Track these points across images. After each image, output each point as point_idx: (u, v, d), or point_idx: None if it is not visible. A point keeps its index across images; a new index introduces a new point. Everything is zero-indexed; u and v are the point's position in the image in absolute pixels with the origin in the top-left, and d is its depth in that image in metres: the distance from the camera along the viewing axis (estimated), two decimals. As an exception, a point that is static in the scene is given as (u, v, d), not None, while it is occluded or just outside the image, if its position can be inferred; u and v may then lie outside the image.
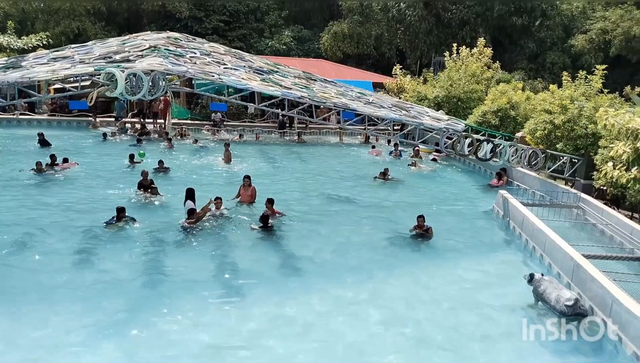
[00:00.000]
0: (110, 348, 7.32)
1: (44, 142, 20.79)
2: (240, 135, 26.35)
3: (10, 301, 8.47)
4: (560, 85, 18.74)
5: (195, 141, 23.83)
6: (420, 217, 12.29)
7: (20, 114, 26.50)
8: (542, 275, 9.37)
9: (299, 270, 10.35)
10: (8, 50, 33.80)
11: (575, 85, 18.13)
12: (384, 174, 18.25)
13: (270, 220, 12.29)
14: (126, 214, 12.27)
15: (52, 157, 17.30)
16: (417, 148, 22.48)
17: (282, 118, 27.70)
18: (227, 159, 19.49)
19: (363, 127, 18.71)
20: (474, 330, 8.32)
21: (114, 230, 11.81)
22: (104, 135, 23.60)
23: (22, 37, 36.12)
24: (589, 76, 18.24)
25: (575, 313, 8.41)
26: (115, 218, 12.12)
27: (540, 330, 8.36)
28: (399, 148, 23.24)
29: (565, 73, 19.45)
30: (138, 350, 7.36)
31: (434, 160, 21.64)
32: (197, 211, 12.27)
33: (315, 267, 10.51)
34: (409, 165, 20.85)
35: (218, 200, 13.04)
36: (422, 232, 12.19)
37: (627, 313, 7.72)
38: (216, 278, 9.81)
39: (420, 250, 11.74)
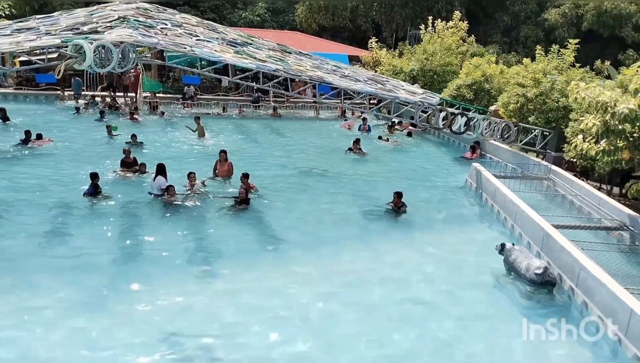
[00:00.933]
0: (85, 324, 7.26)
1: (5, 118, 20.05)
2: (224, 108, 25.94)
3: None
4: (533, 59, 18.94)
5: (162, 114, 23.42)
6: (397, 194, 12.32)
7: (-16, 87, 25.57)
8: (513, 245, 9.61)
9: (274, 244, 10.36)
10: (-32, 21, 32.39)
11: (548, 59, 18.35)
12: (356, 144, 18.20)
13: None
14: (100, 186, 12.09)
15: (27, 133, 16.73)
16: (392, 122, 22.54)
17: (257, 93, 27.36)
18: (201, 133, 19.19)
19: (339, 101, 18.67)
20: (445, 302, 8.49)
21: (91, 205, 11.66)
22: (77, 109, 22.94)
23: (-18, 7, 34.67)
24: (561, 50, 18.46)
25: (544, 282, 8.68)
26: (92, 187, 11.95)
27: (512, 299, 8.65)
28: (367, 123, 23.13)
29: (538, 47, 19.67)
30: (114, 324, 7.33)
31: (409, 134, 21.73)
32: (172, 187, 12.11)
33: (290, 241, 10.52)
34: (379, 137, 20.82)
35: (192, 176, 12.87)
36: (397, 209, 12.25)
37: (593, 280, 8.00)
38: (194, 253, 9.75)
39: (394, 224, 11.88)
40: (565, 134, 14.75)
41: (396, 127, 22.85)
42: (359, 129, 22.80)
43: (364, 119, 23.39)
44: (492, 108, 19.42)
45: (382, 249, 10.42)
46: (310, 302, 8.26)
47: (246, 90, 28.90)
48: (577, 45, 18.10)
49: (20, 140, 16.56)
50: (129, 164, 14.24)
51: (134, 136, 17.58)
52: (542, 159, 16.19)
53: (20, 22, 15.71)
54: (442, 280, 9.20)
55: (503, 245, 9.62)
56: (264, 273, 9.12)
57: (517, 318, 8.08)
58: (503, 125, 16.39)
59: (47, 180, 13.49)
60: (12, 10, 34.90)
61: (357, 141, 18.35)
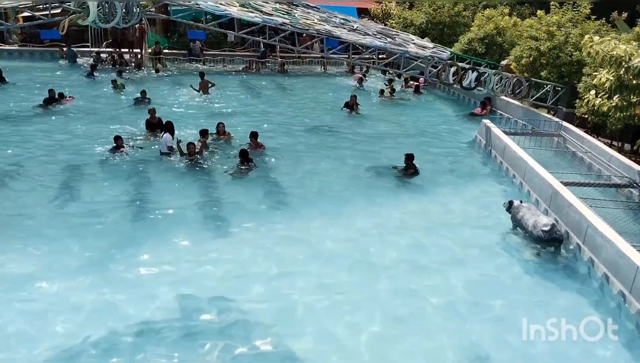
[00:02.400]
0: (95, 284, 7.43)
1: (1, 79, 19.40)
2: (254, 65, 25.42)
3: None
4: (548, 11, 18.34)
5: (157, 71, 23.16)
6: (408, 157, 12.00)
7: (-11, 44, 25.29)
8: (521, 202, 9.61)
9: (281, 203, 10.43)
10: (-31, -25, 31.77)
11: (562, 11, 17.76)
12: (354, 98, 17.85)
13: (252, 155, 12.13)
14: (124, 144, 12.29)
15: (50, 91, 16.59)
16: (406, 78, 22.09)
17: (264, 48, 26.80)
18: (204, 89, 19.01)
19: (347, 56, 18.32)
20: (451, 260, 8.58)
21: (108, 164, 11.85)
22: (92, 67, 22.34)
23: (-17, -40, 33.88)
24: (577, 1, 17.83)
25: (551, 238, 8.71)
26: (114, 148, 12.15)
27: (519, 257, 8.73)
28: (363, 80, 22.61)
29: (553, -3, 18.98)
30: (124, 283, 7.51)
31: (416, 91, 21.33)
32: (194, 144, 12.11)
33: (297, 200, 10.58)
34: (381, 91, 20.43)
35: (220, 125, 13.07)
36: (406, 173, 11.96)
37: (600, 237, 8.03)
38: (203, 212, 9.86)
39: (402, 182, 11.83)
40: (578, 89, 14.45)
41: (410, 83, 22.41)
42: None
43: (360, 79, 22.88)
44: (503, 62, 18.99)
45: (388, 207, 10.47)
46: (313, 258, 8.40)
47: (252, 46, 28.36)
48: (593, -3, 17.48)
49: (44, 99, 16.39)
50: (153, 125, 13.89)
51: (143, 92, 17.47)
52: (554, 115, 15.95)
53: (21, -24, 15.37)
54: (448, 238, 9.27)
55: (511, 203, 9.62)
56: (268, 231, 9.24)
57: (524, 276, 8.18)
58: (514, 81, 16.07)
59: (68, 138, 13.61)
60: (13, -37, 34.13)
61: (354, 97, 18.04)
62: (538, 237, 8.75)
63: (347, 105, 17.79)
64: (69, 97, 17.03)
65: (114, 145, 12.30)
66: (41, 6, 14.43)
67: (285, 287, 7.60)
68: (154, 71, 23.31)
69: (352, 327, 6.82)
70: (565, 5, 17.98)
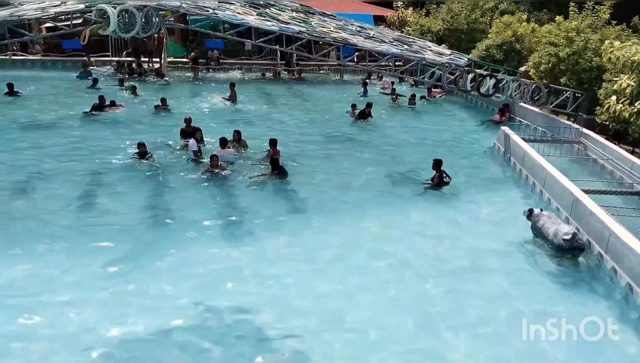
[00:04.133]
0: (115, 291, 7.49)
1: (12, 92, 19.00)
2: (275, 72, 25.74)
3: (16, 240, 8.64)
4: (567, 17, 18.15)
5: (196, 78, 23.37)
6: (436, 163, 11.45)
7: (13, 55, 25.85)
8: (541, 210, 9.47)
9: (301, 211, 10.44)
10: (-6, -13, 32.58)
11: (581, 17, 17.56)
12: (368, 107, 17.74)
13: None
14: (148, 153, 12.46)
15: (101, 98, 16.91)
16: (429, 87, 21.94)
17: (289, 55, 26.79)
18: (233, 99, 19.14)
19: (363, 64, 18.32)
20: (469, 268, 8.48)
21: (133, 171, 12.06)
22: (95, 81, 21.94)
23: (8, -28, 34.72)
24: (596, 7, 17.62)
25: (572, 247, 8.55)
26: (139, 155, 12.35)
27: (539, 266, 8.59)
28: (367, 87, 22.49)
29: (572, 4, 18.78)
30: (145, 291, 7.56)
31: (422, 97, 21.08)
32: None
33: (317, 208, 10.58)
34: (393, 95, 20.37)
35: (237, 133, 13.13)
36: (439, 183, 11.43)
37: (623, 246, 7.86)
38: (225, 221, 9.90)
39: (420, 190, 11.67)
40: (598, 95, 14.25)
41: (433, 92, 22.20)
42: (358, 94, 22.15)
43: (365, 83, 22.86)
44: (522, 69, 18.82)
45: (406, 214, 10.42)
46: (335, 265, 8.37)
47: (269, 54, 28.55)
48: (613, 1, 17.25)
49: (94, 105, 16.64)
50: (188, 134, 13.71)
51: (163, 100, 17.67)
52: (573, 122, 15.72)
53: (44, -13, 15.71)
54: (467, 246, 9.16)
55: (531, 211, 9.48)
56: (290, 239, 9.25)
57: (545, 285, 8.04)
58: (533, 87, 15.91)
59: (92, 145, 13.87)
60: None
61: (364, 106, 17.93)
62: (559, 246, 8.60)
63: (362, 114, 17.67)
64: (118, 105, 17.22)
65: (137, 151, 12.47)
66: (63, 17, 14.70)
67: (312, 295, 7.57)
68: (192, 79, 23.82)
69: (384, 330, 6.80)
70: (585, 11, 17.79)
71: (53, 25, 18.55)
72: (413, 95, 20.46)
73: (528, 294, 7.80)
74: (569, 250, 8.57)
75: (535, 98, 15.96)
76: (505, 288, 7.96)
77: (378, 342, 6.59)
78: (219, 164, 11.84)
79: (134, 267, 8.07)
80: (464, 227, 9.97)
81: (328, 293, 7.59)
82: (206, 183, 11.52)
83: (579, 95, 15.77)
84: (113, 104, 17.07)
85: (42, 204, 10.14)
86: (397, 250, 8.91)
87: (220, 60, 27.11)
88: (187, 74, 25.02)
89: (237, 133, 13.69)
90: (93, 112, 16.53)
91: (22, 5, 13.35)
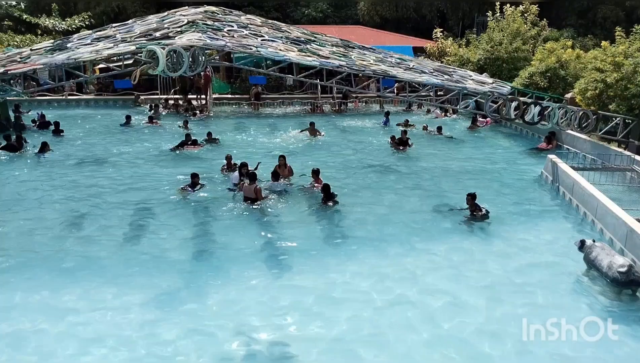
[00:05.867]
0: (157, 320, 7.61)
1: (57, 131, 19.75)
2: (339, 105, 26.39)
3: (66, 271, 8.96)
4: (613, 42, 17.71)
5: (257, 109, 24.59)
6: (471, 196, 11.32)
7: (69, 95, 27.38)
8: (594, 241, 9.07)
9: (341, 244, 10.37)
10: (54, 33, 34.85)
11: (629, 41, 17.08)
12: (404, 134, 17.91)
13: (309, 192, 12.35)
14: (199, 181, 12.93)
15: (187, 136, 17.72)
16: (474, 117, 21.80)
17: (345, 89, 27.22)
18: (312, 133, 19.51)
19: (403, 95, 18.38)
20: (520, 303, 8.12)
21: (182, 202, 12.44)
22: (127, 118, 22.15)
23: (65, 19, 37.10)
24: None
25: (628, 281, 8.10)
26: (190, 185, 12.79)
27: (594, 301, 8.18)
28: (389, 116, 22.69)
29: (618, 28, 18.34)
30: (190, 323, 7.65)
31: (438, 129, 20.81)
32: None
33: (357, 240, 10.49)
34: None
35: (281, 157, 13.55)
36: (473, 214, 11.27)
37: (686, 279, 7.41)
38: (268, 251, 9.97)
39: (466, 221, 11.35)
40: (651, 121, 13.72)
41: (478, 123, 22.02)
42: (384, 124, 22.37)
43: (387, 113, 23.02)
44: (568, 96, 18.38)
45: (453, 246, 10.13)
46: (378, 300, 8.22)
47: (310, 88, 29.10)
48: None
49: (180, 142, 17.45)
50: (231, 170, 14.24)
51: (209, 134, 18.22)
52: (625, 149, 15.13)
53: (98, 31, 16.70)
54: (517, 280, 8.82)
55: (583, 242, 9.09)
56: (330, 270, 9.18)
57: (600, 320, 7.62)
58: (580, 114, 15.46)
59: (143, 176, 14.52)
60: (92, 20, 37.17)
61: (405, 133, 18.13)
62: (614, 279, 8.17)
63: (399, 142, 17.70)
64: (200, 144, 17.79)
65: (192, 181, 12.88)
66: (115, 58, 15.52)
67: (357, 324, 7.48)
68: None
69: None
70: (633, 34, 17.32)
71: (106, 66, 19.63)
72: (440, 127, 20.63)
73: (580, 329, 7.37)
74: (626, 284, 8.13)
75: (583, 125, 15.49)
76: (561, 327, 7.54)
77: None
78: (255, 195, 12.02)
79: (174, 299, 8.17)
80: (514, 259, 9.63)
81: (387, 332, 7.39)
82: (247, 214, 11.69)
83: (630, 121, 15.22)
84: (195, 143, 17.69)
85: (92, 234, 10.56)
86: (447, 286, 8.65)
87: (262, 96, 27.82)
88: (231, 109, 25.72)
89: (283, 158, 14.02)
90: (177, 149, 17.17)
91: (78, 49, 14.20)
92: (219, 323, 7.54)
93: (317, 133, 19.63)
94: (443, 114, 24.22)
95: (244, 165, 13.31)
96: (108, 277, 8.79)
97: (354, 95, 26.78)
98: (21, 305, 7.93)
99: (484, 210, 11.34)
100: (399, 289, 8.50)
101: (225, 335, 7.25)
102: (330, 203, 11.98)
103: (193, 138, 17.90)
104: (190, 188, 12.82)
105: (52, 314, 7.68)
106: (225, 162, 14.68)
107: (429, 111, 25.18)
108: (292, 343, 7.08)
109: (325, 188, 12.17)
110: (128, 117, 21.75)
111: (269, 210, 11.90)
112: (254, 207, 11.86)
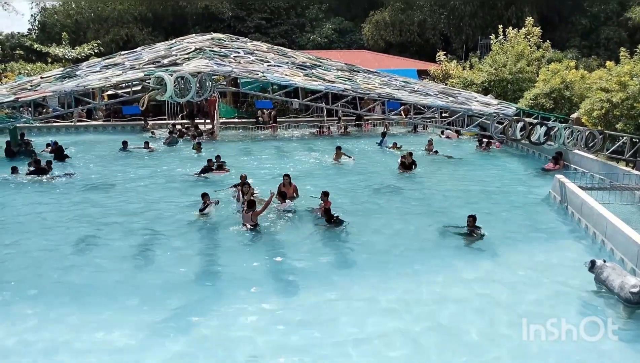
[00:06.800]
0: (169, 347, 7.54)
1: (62, 156, 19.70)
2: (345, 127, 26.80)
3: (77, 297, 8.93)
4: (617, 62, 17.80)
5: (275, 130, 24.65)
6: (472, 218, 11.50)
7: (78, 121, 27.74)
8: (604, 261, 8.97)
9: (348, 265, 10.35)
10: (63, 61, 35.57)
11: (634, 61, 17.17)
12: (410, 156, 17.80)
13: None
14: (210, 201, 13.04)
15: (209, 161, 17.63)
16: (480, 140, 21.80)
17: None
18: (337, 157, 19.31)
19: (409, 117, 18.47)
20: (530, 326, 8.01)
21: (190, 222, 12.56)
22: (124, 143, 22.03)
23: (75, 47, 37.88)
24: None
25: (642, 301, 8.01)
26: (203, 204, 12.90)
27: (606, 321, 8.04)
28: (385, 137, 22.70)
29: (622, 48, 18.46)
30: (197, 348, 7.58)
31: (484, 148, 20.83)
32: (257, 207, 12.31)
33: (364, 261, 10.43)
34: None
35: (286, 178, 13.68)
36: (471, 232, 11.42)
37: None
38: (271, 273, 9.95)
39: (472, 242, 11.32)
40: (658, 139, 13.69)
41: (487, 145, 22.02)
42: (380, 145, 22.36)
43: (384, 134, 23.06)
44: (574, 116, 18.41)
45: (459, 267, 10.05)
46: (387, 323, 8.14)
47: (316, 111, 29.37)
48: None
49: (203, 168, 17.29)
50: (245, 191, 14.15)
51: (218, 157, 18.29)
52: (633, 168, 15.07)
53: (107, 58, 17.01)
54: (526, 302, 8.70)
55: (593, 262, 8.99)
56: (339, 294, 9.12)
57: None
58: (587, 133, 15.46)
59: (155, 200, 14.62)
60: (100, 48, 37.93)
61: (410, 154, 18.00)
62: (627, 300, 8.06)
63: (403, 165, 17.65)
64: (225, 168, 17.70)
65: (204, 205, 12.93)
66: (124, 85, 15.75)
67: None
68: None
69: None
70: (637, 55, 17.41)
71: (114, 92, 19.91)
72: (436, 151, 20.59)
73: (594, 349, 7.26)
74: (638, 304, 8.01)
75: (590, 145, 15.47)
76: (573, 345, 7.44)
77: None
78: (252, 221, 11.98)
79: (181, 321, 8.12)
80: (523, 280, 9.52)
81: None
82: (252, 234, 11.69)
83: (637, 140, 15.19)
84: (220, 167, 17.61)
85: (103, 255, 10.59)
86: (456, 309, 8.55)
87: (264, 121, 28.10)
88: (236, 132, 25.94)
89: (287, 176, 14.07)
90: (201, 174, 17.05)
91: (87, 76, 14.45)
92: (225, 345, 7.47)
93: (344, 156, 19.36)
94: (457, 135, 24.33)
95: (244, 183, 13.49)
96: (112, 302, 8.77)
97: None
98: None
99: (481, 230, 11.39)
100: (402, 317, 8.43)
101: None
102: (333, 224, 11.92)
103: (221, 161, 17.92)
104: (200, 211, 12.90)
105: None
106: (240, 181, 14.52)
107: (442, 132, 25.28)
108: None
109: (326, 210, 12.19)
110: (125, 143, 21.84)
111: (277, 231, 11.90)
112: (255, 232, 11.86)
